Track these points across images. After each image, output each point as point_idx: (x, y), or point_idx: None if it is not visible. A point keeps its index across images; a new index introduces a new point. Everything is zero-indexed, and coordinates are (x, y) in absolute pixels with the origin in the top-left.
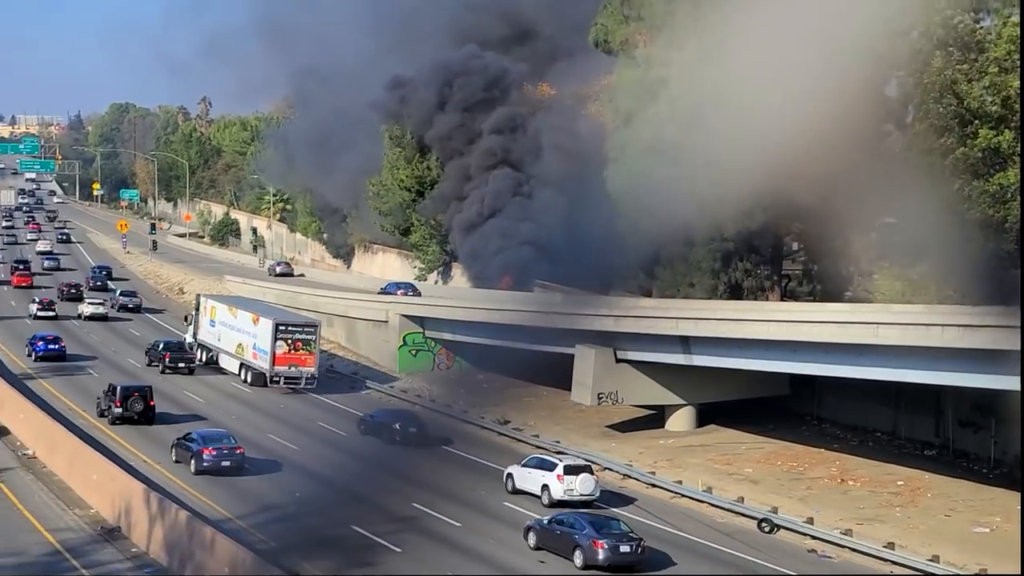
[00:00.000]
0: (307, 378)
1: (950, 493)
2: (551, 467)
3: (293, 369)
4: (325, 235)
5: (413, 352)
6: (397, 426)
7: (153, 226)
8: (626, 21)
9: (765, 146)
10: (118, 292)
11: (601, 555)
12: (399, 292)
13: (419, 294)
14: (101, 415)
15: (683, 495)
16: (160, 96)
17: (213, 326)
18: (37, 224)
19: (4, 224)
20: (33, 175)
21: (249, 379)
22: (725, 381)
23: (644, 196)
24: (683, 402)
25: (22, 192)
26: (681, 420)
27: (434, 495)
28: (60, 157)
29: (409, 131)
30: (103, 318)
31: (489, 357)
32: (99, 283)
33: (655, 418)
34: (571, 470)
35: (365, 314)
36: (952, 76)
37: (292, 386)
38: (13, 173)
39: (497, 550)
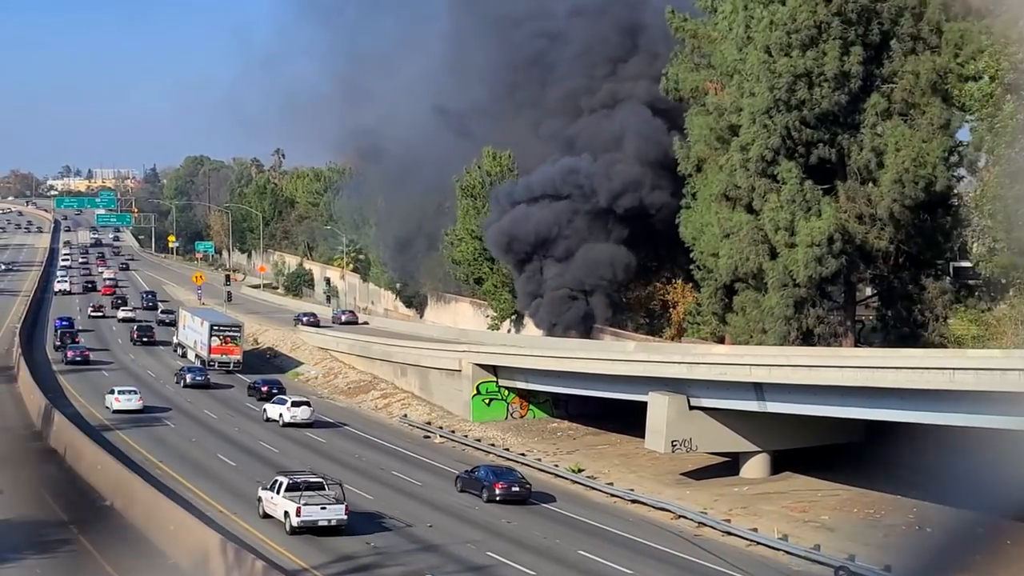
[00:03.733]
0: (234, 362)
1: None
2: (283, 402)
3: (224, 357)
4: (398, 285)
5: (487, 401)
6: (264, 388)
7: (228, 278)
8: (696, 69)
9: None
10: (160, 310)
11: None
12: (304, 319)
13: (317, 323)
14: (56, 349)
15: (759, 543)
16: (234, 148)
17: (184, 329)
18: (104, 260)
19: (80, 260)
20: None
21: (200, 364)
22: (800, 428)
23: (716, 242)
24: (757, 449)
25: (92, 228)
26: (756, 467)
27: (511, 545)
28: (137, 210)
29: (479, 180)
30: (131, 320)
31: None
32: (149, 304)
33: (729, 465)
34: (296, 404)
35: (438, 363)
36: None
37: (224, 368)
38: (77, 213)
39: None
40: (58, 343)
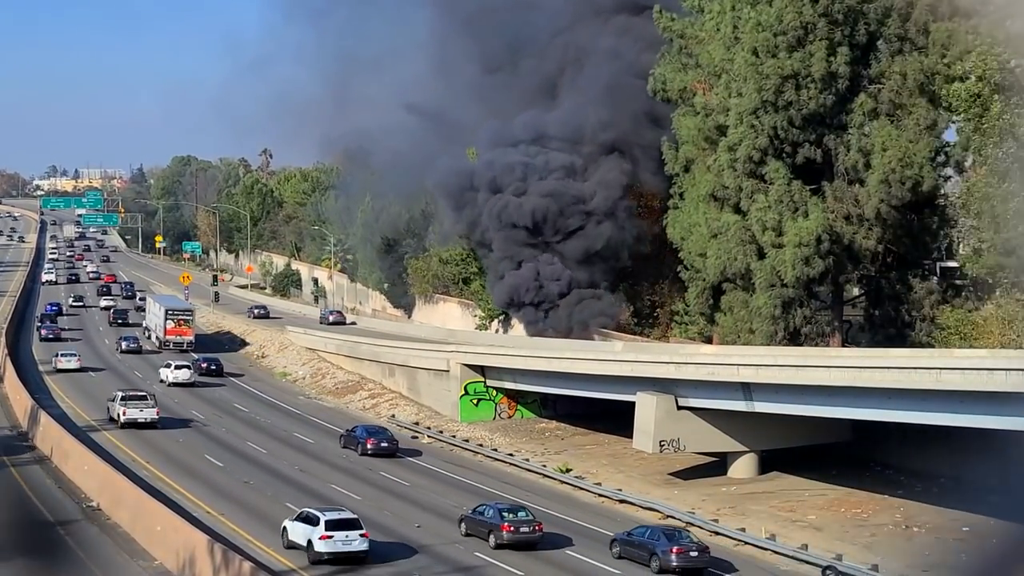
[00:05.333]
0: (187, 343)
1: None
2: (169, 366)
3: (178, 338)
4: (386, 285)
5: (475, 402)
6: (204, 364)
7: (215, 278)
8: (684, 69)
9: None
10: (137, 297)
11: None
12: (255, 311)
13: (267, 314)
14: (36, 329)
15: (747, 542)
16: (221, 149)
17: (148, 314)
18: (82, 256)
19: (68, 254)
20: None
21: (158, 344)
22: (787, 428)
23: (704, 242)
24: (745, 449)
25: (76, 222)
26: (743, 467)
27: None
28: (123, 210)
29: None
30: (111, 308)
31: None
32: (128, 294)
33: (717, 465)
34: (177, 367)
35: (426, 363)
36: (1011, 120)
37: (178, 347)
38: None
39: None
40: (39, 323)
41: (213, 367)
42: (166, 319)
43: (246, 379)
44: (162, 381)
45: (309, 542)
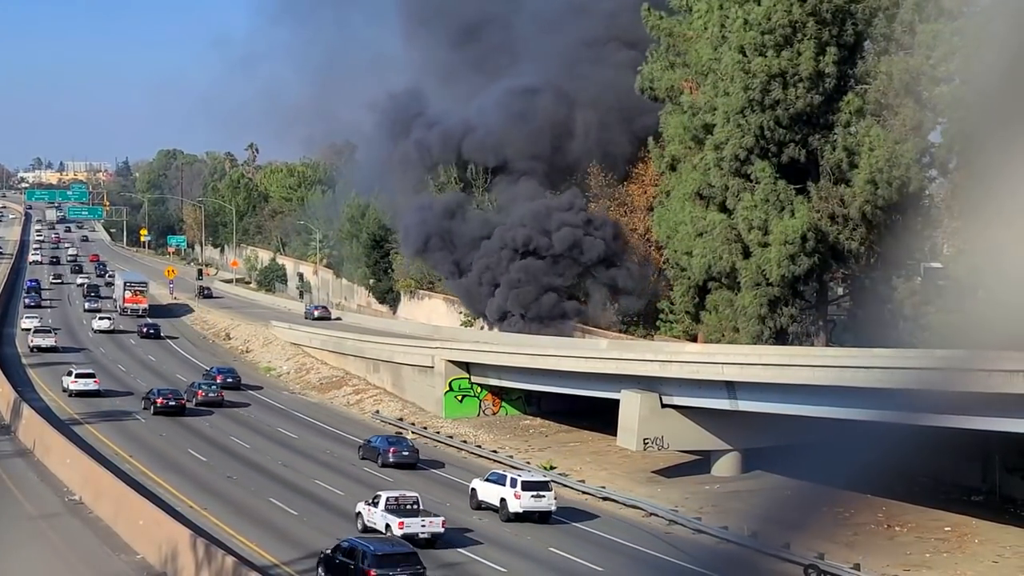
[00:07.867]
0: (142, 310)
1: (998, 539)
2: (95, 317)
3: (134, 305)
4: (371, 281)
5: (459, 398)
6: (145, 329)
7: (200, 272)
8: (671, 68)
9: None
10: (107, 275)
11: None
12: (204, 293)
13: (211, 294)
14: (22, 300)
15: (729, 540)
16: (207, 142)
17: (115, 287)
18: (60, 238)
19: (54, 237)
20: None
21: (119, 311)
22: (771, 426)
23: (689, 240)
24: (729, 447)
25: (57, 207)
26: (727, 465)
27: (481, 541)
28: (108, 204)
29: (453, 177)
30: (85, 284)
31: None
32: (100, 272)
33: (701, 463)
34: (102, 318)
35: (411, 359)
36: (994, 121)
37: (134, 313)
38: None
39: None
40: (24, 294)
41: (152, 331)
42: (124, 289)
43: (180, 341)
44: (93, 329)
45: (67, 386)
